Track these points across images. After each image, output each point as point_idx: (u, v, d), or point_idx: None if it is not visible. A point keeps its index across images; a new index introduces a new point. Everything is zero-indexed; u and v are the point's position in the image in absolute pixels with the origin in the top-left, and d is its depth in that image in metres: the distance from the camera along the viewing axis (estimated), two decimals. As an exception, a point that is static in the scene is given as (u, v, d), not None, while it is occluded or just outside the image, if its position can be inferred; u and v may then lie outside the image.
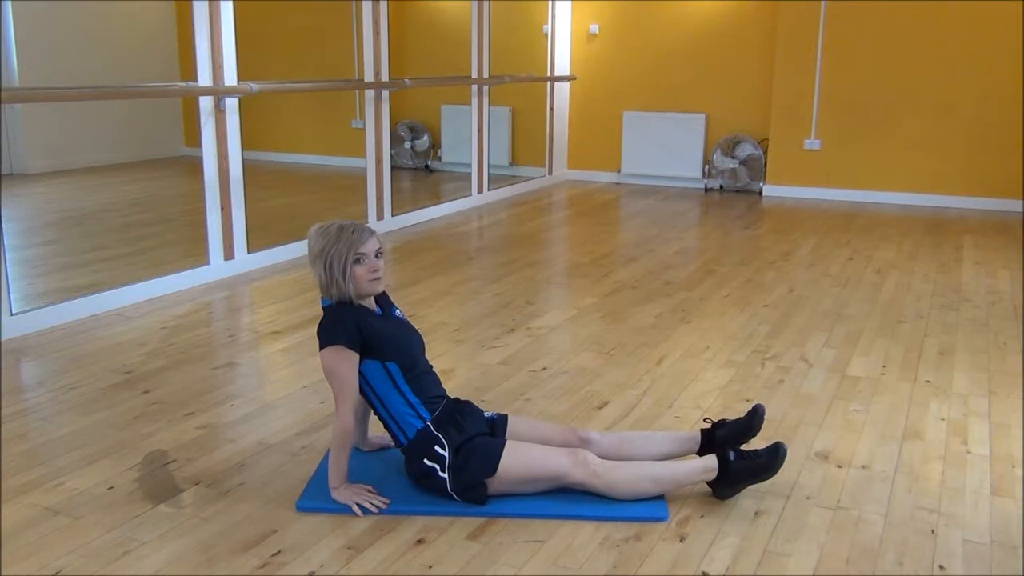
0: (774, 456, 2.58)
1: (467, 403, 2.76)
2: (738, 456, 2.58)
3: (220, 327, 4.42)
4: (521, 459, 2.55)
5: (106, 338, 4.08)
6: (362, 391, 2.62)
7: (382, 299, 2.76)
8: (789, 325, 4.34)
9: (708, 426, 2.82)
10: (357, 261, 2.56)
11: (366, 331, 2.57)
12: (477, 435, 2.61)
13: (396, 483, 2.67)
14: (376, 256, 2.60)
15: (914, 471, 2.83)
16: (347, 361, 2.54)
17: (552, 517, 2.51)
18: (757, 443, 2.81)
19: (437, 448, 2.57)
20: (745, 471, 2.57)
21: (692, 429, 2.94)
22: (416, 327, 2.81)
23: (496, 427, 2.72)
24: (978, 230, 6.75)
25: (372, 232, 2.62)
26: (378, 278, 2.61)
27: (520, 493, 2.58)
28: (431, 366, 2.76)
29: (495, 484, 2.54)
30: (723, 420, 2.83)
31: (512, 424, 2.73)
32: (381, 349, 2.59)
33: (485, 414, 2.76)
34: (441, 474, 2.55)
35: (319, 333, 2.58)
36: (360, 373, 2.59)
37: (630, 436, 2.81)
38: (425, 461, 2.57)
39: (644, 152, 8.81)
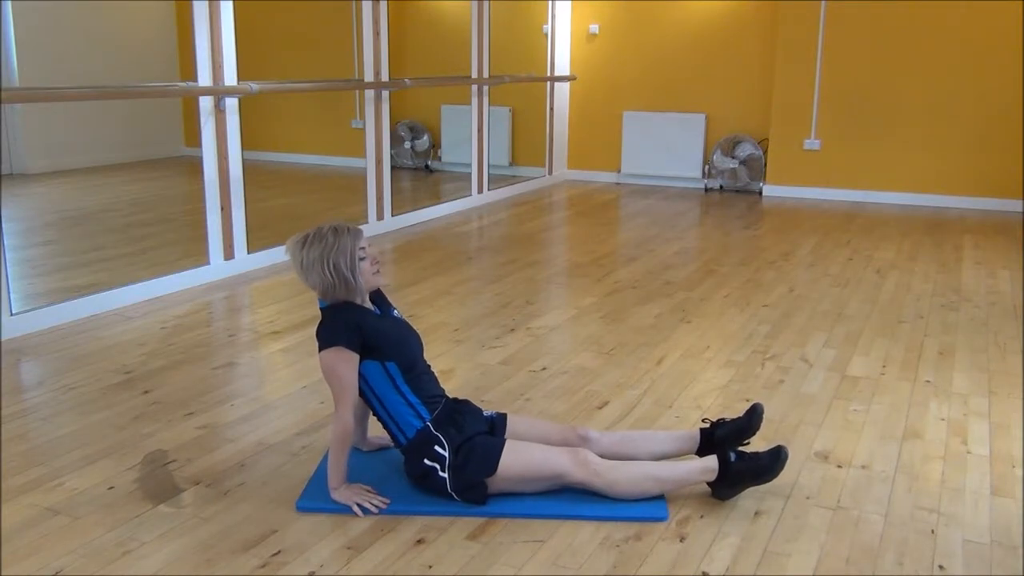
0: (775, 459, 2.58)
1: (466, 403, 2.76)
2: (739, 457, 2.58)
3: (220, 327, 4.42)
4: (521, 458, 2.55)
5: (106, 338, 4.08)
6: (361, 391, 2.62)
7: (379, 299, 2.76)
8: (789, 325, 4.34)
9: (707, 426, 2.82)
10: (362, 258, 2.59)
11: (366, 331, 2.57)
12: (477, 435, 2.61)
13: (396, 483, 2.67)
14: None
15: (914, 471, 2.83)
16: (347, 362, 2.54)
17: (552, 517, 2.51)
18: (757, 443, 2.81)
19: (437, 448, 2.57)
20: (746, 472, 2.57)
21: (692, 429, 2.93)
22: (416, 327, 2.81)
23: (495, 426, 2.72)
24: (978, 230, 6.75)
25: (360, 229, 2.68)
26: (379, 270, 2.68)
27: (520, 493, 2.58)
28: (429, 366, 2.76)
29: (495, 483, 2.54)
30: (722, 419, 2.83)
31: (512, 423, 2.74)
32: (381, 349, 2.59)
33: (484, 413, 2.76)
34: (441, 474, 2.55)
35: (318, 334, 2.58)
36: (359, 374, 2.59)
37: (630, 435, 2.81)
38: (425, 461, 2.57)
39: (644, 152, 8.81)
